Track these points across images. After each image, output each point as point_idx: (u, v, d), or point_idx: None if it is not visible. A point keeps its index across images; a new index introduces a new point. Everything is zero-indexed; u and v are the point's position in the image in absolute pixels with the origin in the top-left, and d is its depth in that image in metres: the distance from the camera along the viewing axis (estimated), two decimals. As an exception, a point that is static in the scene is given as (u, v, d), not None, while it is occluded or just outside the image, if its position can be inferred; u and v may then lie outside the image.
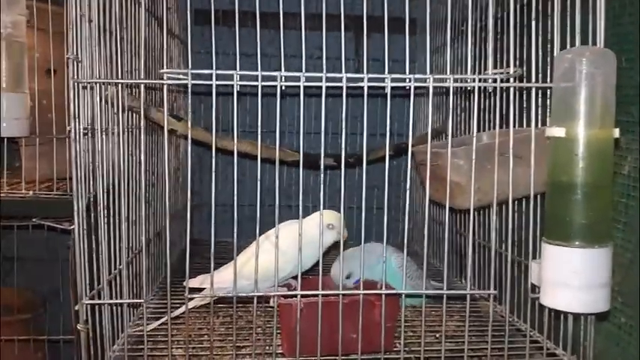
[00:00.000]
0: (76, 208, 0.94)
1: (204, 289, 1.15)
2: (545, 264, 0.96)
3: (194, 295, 0.99)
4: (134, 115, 1.23)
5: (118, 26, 1.05)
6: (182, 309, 1.10)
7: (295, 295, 1.01)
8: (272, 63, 1.28)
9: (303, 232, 1.08)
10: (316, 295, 0.97)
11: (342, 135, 1.02)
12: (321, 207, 1.06)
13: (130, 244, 1.12)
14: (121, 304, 1.00)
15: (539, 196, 1.11)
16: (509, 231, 1.05)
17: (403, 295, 1.03)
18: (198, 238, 1.64)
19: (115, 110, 1.07)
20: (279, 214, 1.00)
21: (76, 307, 0.96)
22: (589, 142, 0.91)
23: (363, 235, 1.03)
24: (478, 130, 1.29)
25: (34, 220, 1.40)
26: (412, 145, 1.78)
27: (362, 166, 1.91)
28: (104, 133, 1.02)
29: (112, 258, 1.02)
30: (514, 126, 1.01)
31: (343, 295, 0.97)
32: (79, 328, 0.95)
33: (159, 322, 1.15)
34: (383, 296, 0.98)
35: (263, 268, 1.02)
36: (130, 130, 1.22)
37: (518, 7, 0.98)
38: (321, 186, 0.98)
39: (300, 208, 1.00)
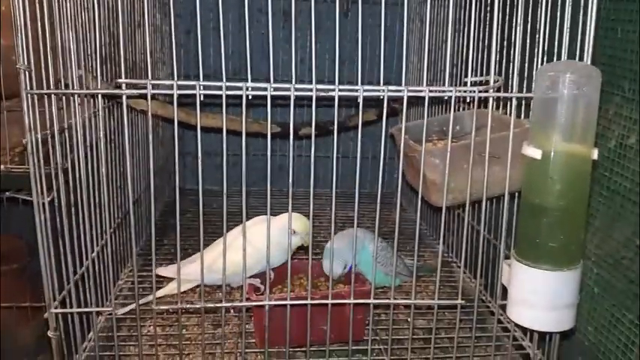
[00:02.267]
0: (37, 219, 0.92)
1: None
2: (513, 280, 0.96)
3: (161, 307, 0.99)
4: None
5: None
6: (150, 297, 1.10)
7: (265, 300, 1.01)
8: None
9: (271, 234, 1.07)
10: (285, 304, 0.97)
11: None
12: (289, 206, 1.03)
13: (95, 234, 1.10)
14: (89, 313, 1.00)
15: (516, 194, 1.09)
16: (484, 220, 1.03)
17: (373, 280, 1.02)
18: (182, 187, 1.62)
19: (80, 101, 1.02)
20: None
21: (45, 316, 0.96)
22: (566, 164, 0.88)
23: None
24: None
25: (7, 193, 1.38)
26: (394, 109, 1.74)
27: (345, 131, 1.88)
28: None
29: (76, 255, 1.01)
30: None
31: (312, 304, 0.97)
32: (49, 335, 0.96)
33: (127, 308, 1.16)
34: (351, 305, 0.99)
35: (234, 264, 1.02)
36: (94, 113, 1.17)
37: (501, 15, 0.90)
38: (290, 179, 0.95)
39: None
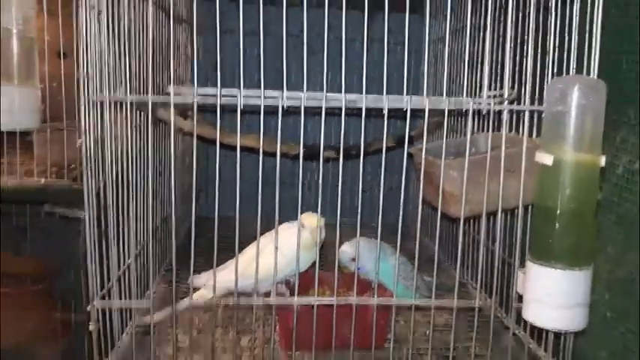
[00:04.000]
0: (87, 208, 0.99)
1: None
2: (528, 281, 1.01)
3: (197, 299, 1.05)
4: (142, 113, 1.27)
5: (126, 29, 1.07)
6: (186, 301, 1.16)
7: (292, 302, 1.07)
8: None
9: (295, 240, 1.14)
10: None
11: (341, 151, 1.05)
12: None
13: (138, 237, 1.18)
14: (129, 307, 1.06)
15: (530, 207, 1.16)
16: (499, 236, 1.09)
17: (394, 295, 1.08)
18: (206, 216, 1.69)
19: (124, 116, 1.11)
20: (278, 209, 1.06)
21: (88, 308, 1.02)
22: (575, 171, 0.95)
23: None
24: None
25: (45, 206, 1.47)
26: (412, 137, 1.84)
27: (365, 156, 1.97)
28: (113, 135, 1.06)
29: (120, 253, 1.08)
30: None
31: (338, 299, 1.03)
32: (90, 328, 1.02)
33: (163, 314, 1.22)
34: (374, 305, 1.04)
35: (265, 269, 1.09)
36: (137, 127, 1.27)
37: (514, 30, 1.00)
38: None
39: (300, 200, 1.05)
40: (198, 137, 1.71)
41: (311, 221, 1.25)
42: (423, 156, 1.20)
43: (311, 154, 1.69)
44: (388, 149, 1.87)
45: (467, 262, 1.64)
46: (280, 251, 1.12)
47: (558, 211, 0.95)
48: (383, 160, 1.05)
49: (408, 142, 1.84)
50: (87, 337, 1.37)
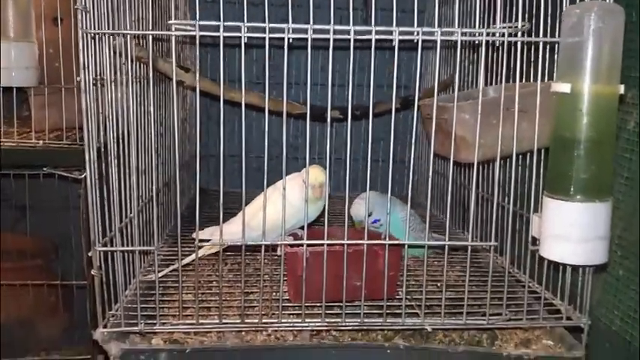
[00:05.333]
0: (87, 156, 0.96)
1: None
2: (545, 217, 0.98)
3: (203, 244, 1.02)
4: (142, 65, 1.23)
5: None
6: (192, 257, 1.13)
7: (302, 245, 1.03)
8: (279, 13, 1.28)
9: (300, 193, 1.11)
10: (322, 245, 1.00)
11: (349, 88, 1.02)
12: (327, 160, 1.07)
13: (140, 193, 1.15)
14: (133, 252, 1.02)
15: (542, 151, 1.13)
16: (512, 184, 1.06)
17: (406, 246, 1.05)
18: (206, 188, 1.66)
19: (123, 60, 1.07)
20: (285, 166, 1.02)
21: (90, 254, 0.99)
22: (594, 98, 0.92)
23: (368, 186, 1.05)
24: (485, 84, 1.30)
25: (44, 169, 1.43)
26: (419, 99, 1.80)
27: (368, 118, 1.94)
28: (112, 83, 1.02)
29: (122, 206, 1.04)
30: (521, 80, 1.01)
31: (348, 244, 1.00)
32: (92, 273, 0.99)
33: (169, 268, 1.18)
34: (386, 246, 1.01)
35: (271, 219, 1.06)
36: (137, 80, 1.23)
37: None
38: (328, 140, 0.99)
39: (308, 159, 1.01)
40: (200, 92, 1.68)
41: (312, 176, 1.20)
42: (435, 103, 1.16)
43: (314, 115, 1.65)
44: (392, 112, 1.84)
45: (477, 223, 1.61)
46: (288, 202, 1.09)
47: (577, 141, 0.92)
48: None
49: (411, 105, 1.85)
50: (89, 293, 1.34)
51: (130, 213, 1.07)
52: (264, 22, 0.93)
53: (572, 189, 0.93)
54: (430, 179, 1.03)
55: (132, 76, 1.13)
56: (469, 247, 1.02)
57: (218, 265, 1.03)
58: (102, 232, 1.01)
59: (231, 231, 1.16)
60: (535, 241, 1.04)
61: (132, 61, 1.11)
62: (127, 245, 1.04)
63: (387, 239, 1.02)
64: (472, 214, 1.02)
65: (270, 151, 0.97)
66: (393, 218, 1.25)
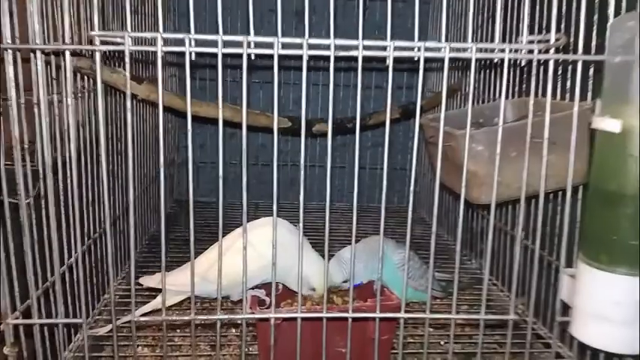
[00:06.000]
0: None
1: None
2: (581, 287, 0.76)
3: (142, 318, 0.80)
4: (86, 77, 1.01)
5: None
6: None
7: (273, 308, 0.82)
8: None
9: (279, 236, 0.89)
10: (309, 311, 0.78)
11: (330, 108, 0.80)
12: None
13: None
14: (55, 325, 0.81)
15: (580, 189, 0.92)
16: (537, 226, 0.84)
17: (404, 292, 0.83)
18: (185, 200, 1.45)
19: (54, 75, 0.86)
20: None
21: (1, 327, 0.78)
22: (651, 140, 0.69)
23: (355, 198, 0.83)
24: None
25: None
26: (421, 107, 1.58)
27: (363, 130, 1.71)
28: (41, 100, 0.80)
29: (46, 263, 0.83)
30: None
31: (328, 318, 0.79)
32: (5, 352, 0.78)
33: (106, 328, 0.98)
34: (377, 319, 0.79)
35: (234, 272, 0.84)
36: (82, 94, 1.01)
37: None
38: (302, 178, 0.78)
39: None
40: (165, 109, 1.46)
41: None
42: (442, 129, 0.94)
43: (298, 130, 1.43)
44: (391, 122, 1.62)
45: (477, 249, 1.40)
46: (257, 251, 0.88)
47: (626, 197, 0.70)
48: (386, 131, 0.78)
49: (412, 115, 1.64)
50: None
51: (57, 272, 0.85)
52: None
53: (615, 257, 0.71)
54: (435, 220, 0.81)
55: (70, 90, 0.91)
56: (482, 321, 0.80)
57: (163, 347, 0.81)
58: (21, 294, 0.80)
59: (182, 281, 0.95)
60: (565, 308, 0.83)
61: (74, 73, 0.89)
62: (51, 311, 0.82)
63: (378, 311, 0.79)
64: (485, 284, 0.79)
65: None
66: (387, 266, 1.04)
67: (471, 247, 1.53)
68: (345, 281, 1.02)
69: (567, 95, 0.98)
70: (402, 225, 1.64)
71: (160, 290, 1.00)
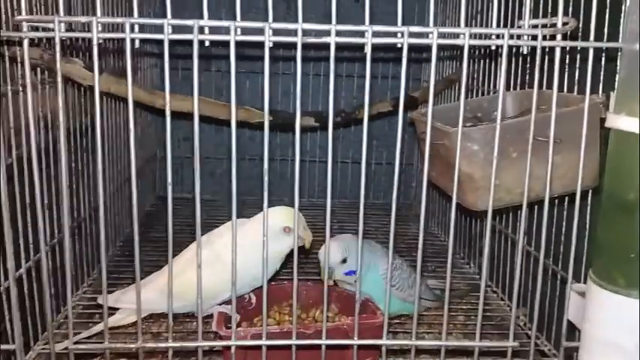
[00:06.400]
0: None
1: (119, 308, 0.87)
2: (592, 311, 0.66)
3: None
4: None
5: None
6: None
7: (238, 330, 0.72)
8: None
9: (251, 241, 0.79)
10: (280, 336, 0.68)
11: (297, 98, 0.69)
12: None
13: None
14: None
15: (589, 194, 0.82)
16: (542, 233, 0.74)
17: (386, 310, 0.73)
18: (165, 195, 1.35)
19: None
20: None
21: None
22: (676, 142, 0.58)
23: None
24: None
25: None
26: (416, 99, 1.47)
27: (352, 124, 1.60)
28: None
29: None
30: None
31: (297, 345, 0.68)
32: None
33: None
34: (354, 348, 0.69)
35: (206, 284, 0.74)
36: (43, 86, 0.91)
37: None
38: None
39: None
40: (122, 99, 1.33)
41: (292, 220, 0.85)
42: (428, 127, 0.84)
43: (282, 124, 1.33)
44: (383, 115, 1.52)
45: (475, 251, 1.30)
46: (223, 262, 0.78)
47: (646, 208, 0.59)
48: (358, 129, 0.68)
49: (411, 105, 1.52)
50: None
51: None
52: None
53: (634, 278, 0.61)
54: (422, 224, 0.70)
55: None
56: (476, 349, 0.69)
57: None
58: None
59: (147, 298, 0.84)
60: (572, 329, 0.73)
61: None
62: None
63: (356, 338, 0.69)
64: (480, 310, 0.69)
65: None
66: (373, 275, 0.94)
67: (469, 248, 1.42)
68: (343, 261, 0.92)
69: (575, 88, 0.88)
70: (397, 223, 1.55)
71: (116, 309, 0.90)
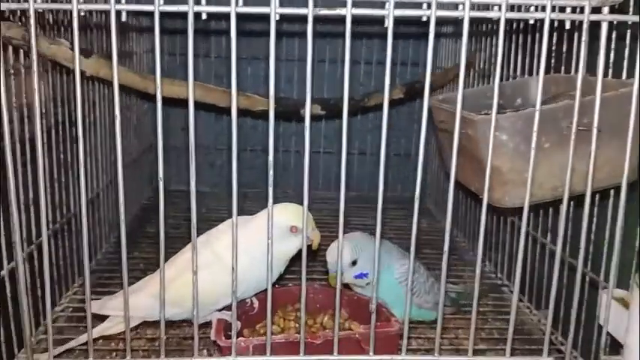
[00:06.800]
0: None
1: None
2: (636, 322, 0.58)
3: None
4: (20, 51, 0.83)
5: None
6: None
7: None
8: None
9: (256, 241, 0.71)
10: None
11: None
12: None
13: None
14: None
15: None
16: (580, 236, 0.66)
17: (406, 318, 0.65)
18: (166, 187, 1.27)
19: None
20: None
21: None
22: None
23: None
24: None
25: None
26: (430, 85, 1.38)
27: (360, 113, 1.51)
28: None
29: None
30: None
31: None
32: None
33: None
34: (370, 361, 0.61)
35: (203, 289, 0.66)
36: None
37: None
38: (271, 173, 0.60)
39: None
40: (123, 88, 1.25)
41: (300, 219, 0.76)
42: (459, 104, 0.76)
43: (285, 112, 1.24)
44: (393, 103, 1.43)
45: (500, 255, 1.22)
46: (224, 265, 0.70)
47: None
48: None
49: (418, 96, 1.44)
50: None
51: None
52: None
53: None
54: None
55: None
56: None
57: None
58: None
59: (135, 305, 0.76)
60: (609, 341, 0.65)
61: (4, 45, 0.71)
62: None
63: (372, 353, 0.61)
64: (511, 324, 0.61)
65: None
66: (387, 278, 0.86)
67: (485, 245, 1.34)
68: (353, 263, 0.84)
69: (610, 71, 0.79)
70: (407, 219, 1.46)
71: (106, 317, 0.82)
